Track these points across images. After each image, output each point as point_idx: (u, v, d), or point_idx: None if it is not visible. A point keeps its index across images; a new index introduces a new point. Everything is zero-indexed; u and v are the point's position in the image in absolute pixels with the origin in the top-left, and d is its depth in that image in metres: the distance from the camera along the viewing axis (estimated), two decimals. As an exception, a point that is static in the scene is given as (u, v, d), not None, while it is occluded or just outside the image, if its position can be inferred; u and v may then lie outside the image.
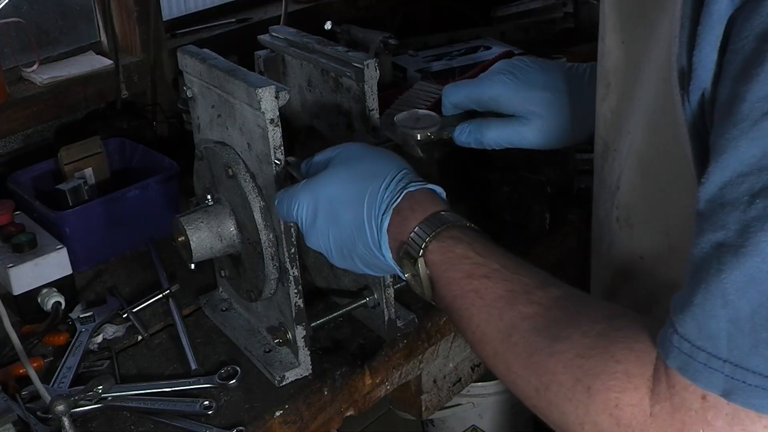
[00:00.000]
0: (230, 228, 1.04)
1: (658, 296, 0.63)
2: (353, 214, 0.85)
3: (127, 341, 1.15)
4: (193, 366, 1.08)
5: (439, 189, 0.85)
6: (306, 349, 1.04)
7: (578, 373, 0.65)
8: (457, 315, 0.78)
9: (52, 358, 1.11)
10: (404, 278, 0.83)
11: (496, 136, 1.06)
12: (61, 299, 1.18)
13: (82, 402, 0.99)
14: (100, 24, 1.74)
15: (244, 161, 1.01)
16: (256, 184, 0.99)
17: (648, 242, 0.82)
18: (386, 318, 1.09)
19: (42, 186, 1.40)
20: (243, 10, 2.01)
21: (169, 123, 1.73)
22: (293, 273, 1.00)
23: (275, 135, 0.94)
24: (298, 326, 1.03)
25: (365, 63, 1.01)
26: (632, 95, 0.80)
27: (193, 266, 1.05)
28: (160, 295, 1.21)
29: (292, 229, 0.98)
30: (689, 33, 0.63)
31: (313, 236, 0.89)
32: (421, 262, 0.80)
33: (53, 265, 1.20)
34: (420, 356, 1.18)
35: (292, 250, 0.99)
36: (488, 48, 1.90)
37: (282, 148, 0.95)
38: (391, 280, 1.06)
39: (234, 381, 1.04)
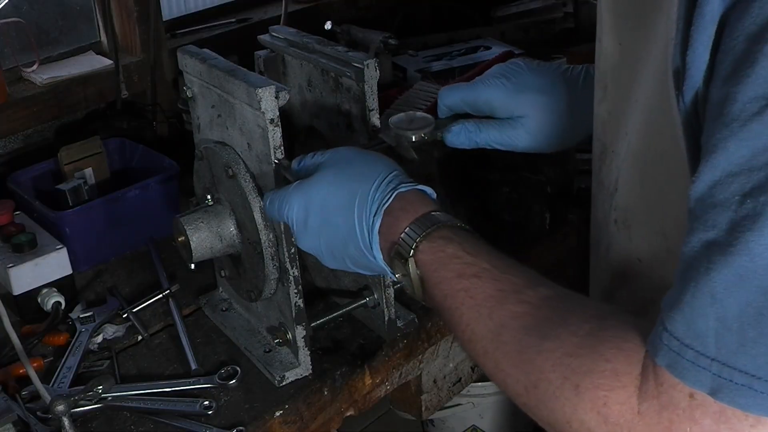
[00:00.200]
0: (230, 228, 1.04)
1: (656, 298, 0.63)
2: (344, 216, 0.85)
3: (127, 341, 1.15)
4: (193, 366, 1.08)
5: (429, 190, 0.86)
6: (306, 349, 1.04)
7: (566, 372, 0.65)
8: (447, 314, 0.78)
9: (52, 358, 1.11)
10: (395, 279, 0.84)
11: (489, 138, 1.07)
12: (61, 299, 1.18)
13: (82, 402, 0.99)
14: (100, 24, 1.74)
15: (244, 161, 1.01)
16: (256, 184, 0.99)
17: (646, 244, 0.82)
18: (386, 318, 1.09)
19: (42, 186, 1.40)
20: (243, 10, 2.01)
21: (169, 123, 1.73)
22: (293, 273, 1.00)
23: (275, 135, 0.94)
24: (298, 326, 1.03)
25: (365, 63, 1.01)
26: (629, 97, 0.80)
27: (193, 266, 1.05)
28: (160, 295, 1.21)
29: (292, 233, 0.98)
30: (683, 34, 0.63)
31: (304, 238, 0.89)
32: (411, 262, 0.80)
33: (53, 265, 1.20)
34: (420, 356, 1.18)
35: (292, 250, 0.99)
36: (488, 48, 1.90)
37: (282, 148, 0.95)
38: (391, 280, 1.06)
39: (234, 381, 1.04)
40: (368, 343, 1.12)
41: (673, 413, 0.59)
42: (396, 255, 0.82)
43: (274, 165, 0.95)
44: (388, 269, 0.84)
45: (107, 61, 1.67)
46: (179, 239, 1.03)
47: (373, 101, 1.03)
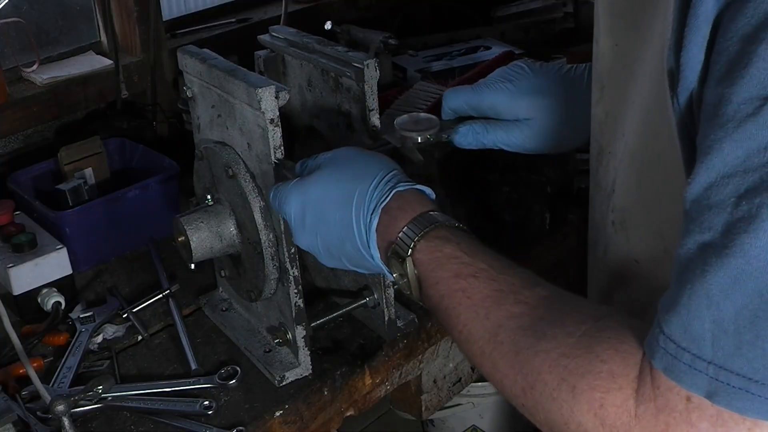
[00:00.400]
0: (230, 228, 1.04)
1: (653, 299, 0.63)
2: (342, 214, 0.85)
3: (127, 341, 1.15)
4: (193, 366, 1.08)
5: (428, 190, 0.86)
6: (306, 349, 1.04)
7: (563, 373, 0.65)
8: (444, 314, 0.78)
9: (52, 358, 1.11)
10: (392, 278, 0.84)
11: (497, 139, 1.08)
12: (61, 299, 1.18)
13: (82, 402, 0.99)
14: (100, 24, 1.74)
15: (244, 161, 1.01)
16: (256, 184, 0.99)
17: (643, 246, 0.82)
18: (386, 318, 1.09)
19: (42, 186, 1.40)
20: (243, 10, 2.01)
21: (169, 123, 1.73)
22: (293, 273, 1.00)
23: (275, 135, 0.94)
24: (298, 326, 1.03)
25: (365, 63, 1.01)
26: (626, 98, 0.80)
27: (193, 266, 1.05)
28: (160, 295, 1.21)
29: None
30: (677, 34, 0.63)
31: (301, 235, 0.89)
32: (409, 261, 0.80)
33: (53, 265, 1.20)
34: (420, 356, 1.18)
35: (292, 250, 0.99)
36: (488, 48, 1.90)
37: (282, 148, 0.95)
38: (391, 280, 1.06)
39: (234, 381, 1.04)
40: (368, 343, 1.12)
41: (669, 416, 0.59)
42: (393, 254, 0.82)
43: (274, 165, 0.95)
44: (384, 268, 0.84)
45: (107, 61, 1.67)
46: (179, 239, 1.03)
47: (373, 101, 1.03)
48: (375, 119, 1.04)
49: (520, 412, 0.72)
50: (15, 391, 1.03)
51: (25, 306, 1.18)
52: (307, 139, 1.17)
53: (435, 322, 1.16)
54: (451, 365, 1.28)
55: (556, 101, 1.05)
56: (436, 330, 1.18)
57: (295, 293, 1.01)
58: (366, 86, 1.02)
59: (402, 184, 0.84)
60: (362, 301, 1.09)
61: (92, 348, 1.13)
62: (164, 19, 1.79)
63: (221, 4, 2.01)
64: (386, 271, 0.84)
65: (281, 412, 1.01)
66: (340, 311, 1.09)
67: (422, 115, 1.08)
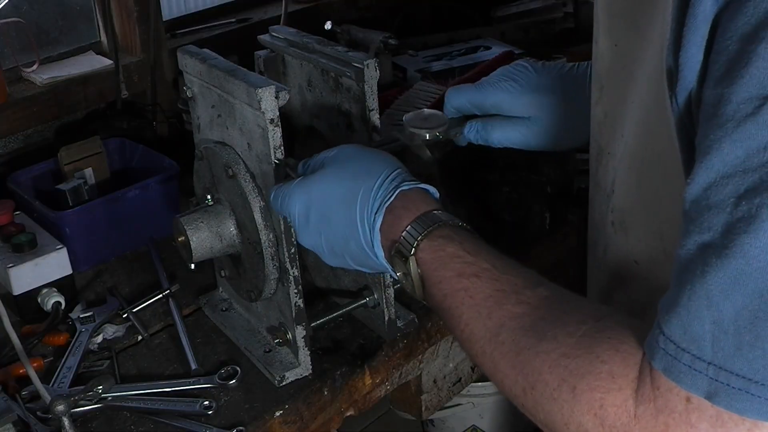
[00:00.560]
0: (230, 228, 1.04)
1: (653, 300, 0.63)
2: (346, 213, 0.85)
3: (127, 341, 1.15)
4: (193, 366, 1.08)
5: (432, 188, 0.86)
6: (306, 349, 1.04)
7: (563, 373, 0.65)
8: (447, 314, 0.78)
9: (52, 358, 1.11)
10: (396, 277, 0.84)
11: (501, 137, 1.08)
12: (61, 299, 1.18)
13: (82, 402, 0.99)
14: (100, 24, 1.74)
15: (244, 161, 1.01)
16: (256, 184, 0.99)
17: (643, 246, 0.82)
18: (386, 318, 1.09)
19: (42, 186, 1.40)
20: (243, 10, 2.01)
21: (169, 123, 1.73)
22: (293, 273, 1.00)
23: (275, 135, 0.94)
24: (298, 326, 1.03)
25: (365, 63, 1.01)
26: (625, 98, 0.80)
27: (193, 266, 1.05)
28: (160, 295, 1.21)
29: (292, 230, 0.98)
30: (675, 34, 0.63)
31: (305, 234, 0.89)
32: (412, 260, 0.80)
33: (53, 265, 1.20)
34: (420, 356, 1.18)
35: (292, 250, 0.99)
36: (488, 48, 1.90)
37: (282, 148, 0.95)
38: (391, 280, 1.06)
39: (234, 381, 1.04)
40: (368, 343, 1.12)
41: (669, 417, 0.59)
42: (397, 253, 0.82)
43: (274, 165, 0.95)
44: (389, 267, 0.84)
45: (107, 61, 1.67)
46: (179, 239, 1.03)
47: (373, 101, 1.03)
48: (375, 119, 1.04)
49: (521, 411, 0.72)
50: (15, 391, 1.03)
51: (25, 306, 1.18)
52: (307, 139, 1.17)
53: (435, 322, 1.16)
54: (451, 365, 1.28)
55: (559, 99, 1.05)
56: (436, 330, 1.18)
57: (295, 293, 1.01)
58: (366, 86, 1.02)
59: (406, 183, 0.84)
60: (362, 301, 1.09)
61: (92, 348, 1.13)
62: (164, 19, 1.79)
63: (221, 4, 2.01)
64: (390, 270, 0.84)
65: (281, 412, 1.01)
66: (340, 311, 1.09)
67: (429, 111, 1.08)
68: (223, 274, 1.14)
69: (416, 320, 1.13)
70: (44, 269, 1.19)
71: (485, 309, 0.74)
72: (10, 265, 1.16)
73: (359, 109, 1.04)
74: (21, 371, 1.05)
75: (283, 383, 1.04)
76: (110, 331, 1.15)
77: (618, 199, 0.85)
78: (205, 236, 1.03)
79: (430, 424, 2.22)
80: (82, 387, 1.01)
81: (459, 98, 1.10)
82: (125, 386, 1.04)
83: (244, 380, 1.05)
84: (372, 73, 1.02)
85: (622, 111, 0.81)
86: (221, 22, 1.93)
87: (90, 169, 1.41)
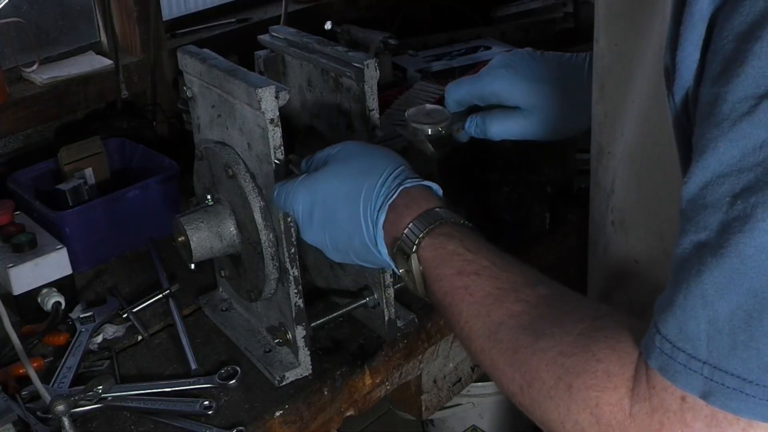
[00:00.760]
0: (230, 228, 1.04)
1: (652, 300, 0.63)
2: (350, 210, 0.85)
3: (127, 341, 1.15)
4: (193, 366, 1.08)
5: (435, 186, 0.86)
6: (306, 349, 1.04)
7: (560, 372, 0.65)
8: (447, 311, 0.79)
9: (52, 358, 1.11)
10: (399, 273, 0.84)
11: (500, 129, 1.09)
12: (61, 299, 1.18)
13: (82, 402, 0.99)
14: (100, 24, 1.74)
15: (244, 161, 1.01)
16: (256, 184, 0.99)
17: (643, 246, 0.82)
18: (386, 318, 1.09)
19: (42, 186, 1.40)
20: (243, 10, 2.01)
21: (169, 123, 1.73)
22: (293, 273, 1.00)
23: (275, 135, 0.94)
24: (298, 326, 1.03)
25: (365, 63, 1.01)
26: (625, 97, 0.80)
27: (193, 266, 1.05)
28: (160, 295, 1.21)
29: (292, 229, 0.98)
30: (672, 33, 0.63)
31: (309, 231, 0.90)
32: (414, 258, 0.80)
33: (53, 265, 1.20)
34: (420, 356, 1.18)
35: (292, 250, 0.99)
36: (488, 48, 1.90)
37: (282, 148, 0.95)
38: (391, 280, 1.06)
39: (234, 381, 1.04)
40: (368, 343, 1.12)
41: (664, 416, 0.59)
42: (399, 251, 0.82)
43: (274, 165, 0.95)
44: (392, 264, 0.85)
45: (107, 61, 1.67)
46: (179, 239, 1.03)
47: (373, 101, 1.03)
48: (375, 119, 1.04)
49: (520, 409, 0.72)
50: (15, 391, 1.03)
51: (25, 306, 1.18)
52: (307, 139, 1.17)
53: (435, 322, 1.16)
54: (451, 365, 1.28)
55: (558, 87, 1.05)
56: (436, 330, 1.18)
57: (295, 293, 1.01)
58: (366, 86, 1.02)
59: (409, 180, 0.85)
60: (362, 301, 1.09)
61: (92, 348, 1.13)
62: (164, 19, 1.79)
63: (221, 4, 2.01)
64: (393, 267, 0.85)
65: (281, 412, 1.01)
66: (340, 311, 1.09)
67: (432, 107, 1.09)
68: (223, 274, 1.14)
69: (416, 320, 1.13)
70: (44, 269, 1.19)
71: (485, 307, 0.74)
72: (10, 265, 1.16)
73: (359, 109, 1.04)
74: (21, 371, 1.05)
75: (283, 383, 1.04)
76: (110, 331, 1.15)
77: (618, 199, 0.85)
78: (205, 236, 1.03)
79: (430, 424, 2.22)
80: (82, 387, 1.01)
81: (458, 91, 1.10)
82: (125, 386, 1.04)
83: (244, 380, 1.05)
84: (372, 73, 1.02)
85: (622, 110, 0.81)
86: (221, 22, 1.93)
87: (90, 169, 1.41)
